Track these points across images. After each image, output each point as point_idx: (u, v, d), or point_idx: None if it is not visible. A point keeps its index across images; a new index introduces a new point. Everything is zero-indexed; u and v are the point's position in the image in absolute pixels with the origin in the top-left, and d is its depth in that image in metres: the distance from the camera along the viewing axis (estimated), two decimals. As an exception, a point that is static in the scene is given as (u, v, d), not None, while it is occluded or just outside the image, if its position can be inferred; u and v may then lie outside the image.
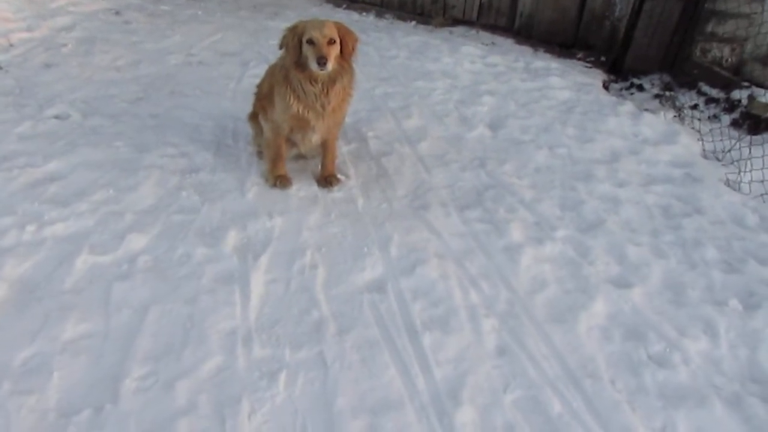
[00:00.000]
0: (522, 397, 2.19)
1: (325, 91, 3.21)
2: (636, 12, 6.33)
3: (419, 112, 4.91)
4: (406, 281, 2.76)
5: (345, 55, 3.18)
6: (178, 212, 3.16)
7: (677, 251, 3.18)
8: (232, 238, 2.98)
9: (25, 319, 2.33)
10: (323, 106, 3.25)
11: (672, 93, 5.71)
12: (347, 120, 4.02)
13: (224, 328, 2.39)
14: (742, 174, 3.98)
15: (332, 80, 3.20)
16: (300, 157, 3.86)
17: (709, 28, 5.76)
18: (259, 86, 3.68)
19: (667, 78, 6.12)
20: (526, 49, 7.39)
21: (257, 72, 5.01)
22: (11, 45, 5.77)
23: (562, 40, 7.46)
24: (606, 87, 6.22)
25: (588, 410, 2.15)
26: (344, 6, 9.20)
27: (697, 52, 5.92)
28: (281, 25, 3.43)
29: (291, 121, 3.33)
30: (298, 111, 3.25)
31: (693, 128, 4.84)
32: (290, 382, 2.16)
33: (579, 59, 7.12)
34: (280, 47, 3.22)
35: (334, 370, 2.23)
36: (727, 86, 5.32)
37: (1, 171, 3.35)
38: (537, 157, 4.22)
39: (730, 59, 5.59)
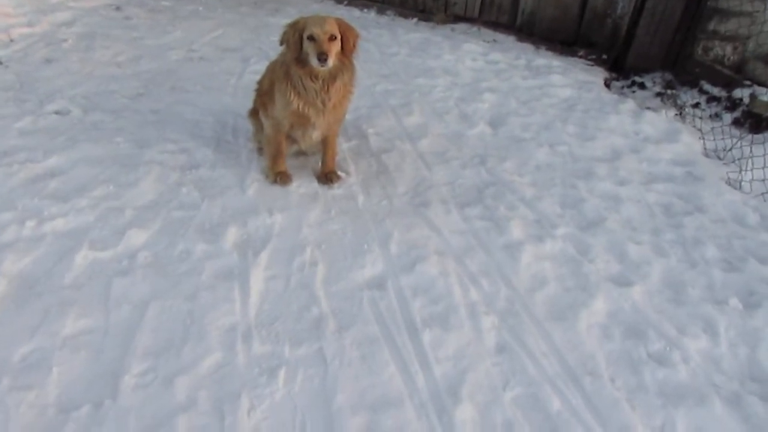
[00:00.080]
0: (521, 394, 2.19)
1: (326, 87, 3.20)
2: (638, 10, 6.31)
3: (420, 109, 4.90)
4: (406, 278, 2.76)
5: (346, 51, 3.17)
6: (178, 208, 3.16)
7: (678, 250, 3.18)
8: (232, 234, 2.98)
9: (25, 315, 2.33)
10: (324, 103, 3.24)
11: (673, 91, 5.71)
12: (348, 117, 4.02)
13: (224, 324, 2.39)
14: (743, 173, 3.98)
15: (333, 77, 3.19)
16: (300, 153, 3.86)
17: (711, 26, 5.75)
18: (260, 82, 3.67)
19: (668, 76, 6.11)
20: (528, 47, 7.38)
21: (258, 68, 5.00)
22: (12, 40, 5.76)
23: (564, 38, 7.45)
24: (607, 85, 6.21)
25: (587, 408, 2.15)
26: (345, 2, 9.18)
27: (699, 51, 5.91)
28: (282, 22, 3.42)
29: (291, 117, 3.32)
30: (298, 107, 3.24)
31: (694, 127, 4.83)
32: (290, 379, 2.16)
33: (580, 57, 7.11)
34: (281, 43, 3.21)
35: (333, 366, 2.23)
36: (729, 85, 5.31)
37: (2, 166, 3.35)
38: (538, 154, 4.21)
39: (732, 57, 5.58)
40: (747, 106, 4.92)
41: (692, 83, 5.72)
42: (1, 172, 3.29)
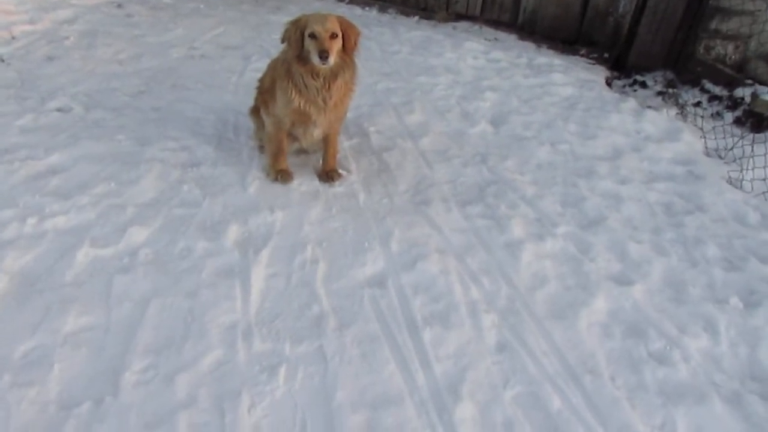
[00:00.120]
0: (522, 393, 2.19)
1: (327, 85, 3.20)
2: (640, 8, 6.31)
3: (421, 108, 4.90)
4: (406, 276, 2.76)
5: (347, 49, 3.17)
6: (180, 206, 3.16)
7: (678, 249, 3.17)
8: (233, 232, 2.98)
9: (26, 312, 2.33)
10: (325, 101, 3.24)
11: (675, 90, 5.70)
12: (349, 115, 4.02)
13: (225, 321, 2.39)
14: (744, 172, 3.97)
15: (334, 75, 3.19)
16: (301, 151, 3.86)
17: (713, 25, 5.74)
18: (261, 80, 3.67)
19: (670, 75, 6.10)
20: (529, 45, 7.37)
21: (259, 66, 5.00)
22: (13, 37, 5.76)
23: (566, 36, 7.44)
24: (609, 84, 6.20)
25: (588, 407, 2.15)
26: (347, 0, 9.17)
27: (701, 50, 5.90)
28: (283, 19, 3.42)
29: (292, 115, 3.32)
30: (299, 105, 3.24)
31: (696, 126, 4.83)
32: (290, 377, 2.17)
33: (582, 56, 7.10)
34: (282, 41, 3.21)
35: (334, 364, 2.23)
36: (731, 84, 5.31)
37: (3, 164, 3.35)
38: (539, 153, 4.21)
39: (733, 57, 5.57)
40: (748, 105, 4.92)
41: (694, 82, 5.72)
42: (2, 169, 3.30)
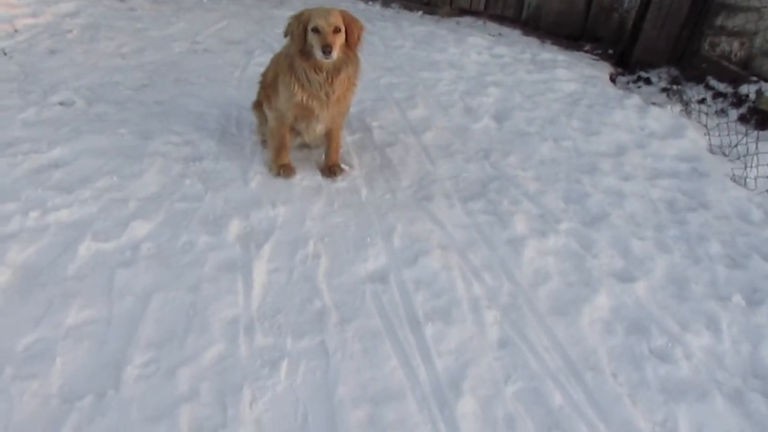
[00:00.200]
0: (523, 389, 2.19)
1: (330, 80, 3.20)
2: (645, 4, 6.28)
3: (424, 103, 4.89)
4: (408, 272, 2.76)
5: (350, 44, 3.16)
6: (182, 200, 3.16)
7: (681, 246, 3.17)
8: (235, 226, 2.98)
9: (29, 305, 2.34)
10: (327, 95, 3.24)
11: (679, 87, 5.68)
12: (352, 110, 4.01)
13: (226, 316, 2.39)
14: (748, 169, 3.96)
15: (337, 69, 3.18)
16: (304, 146, 3.85)
17: (719, 21, 5.72)
18: (264, 75, 3.67)
19: (674, 71, 6.08)
20: (533, 41, 7.35)
21: (262, 60, 5.00)
22: (16, 31, 5.76)
23: (570, 32, 7.41)
24: (613, 80, 6.19)
25: (589, 403, 2.15)
26: (350, -5, 9.15)
27: (706, 46, 5.87)
28: (287, 14, 3.42)
29: (295, 109, 3.32)
30: (302, 100, 3.24)
31: (700, 123, 4.81)
32: (292, 371, 2.17)
33: (586, 51, 7.08)
34: (285, 35, 3.20)
35: (335, 359, 2.23)
36: (736, 81, 5.28)
37: (6, 157, 3.35)
38: (542, 149, 4.20)
39: (738, 53, 5.54)
40: (753, 102, 4.90)
41: (698, 79, 5.70)
42: (5, 162, 3.30)
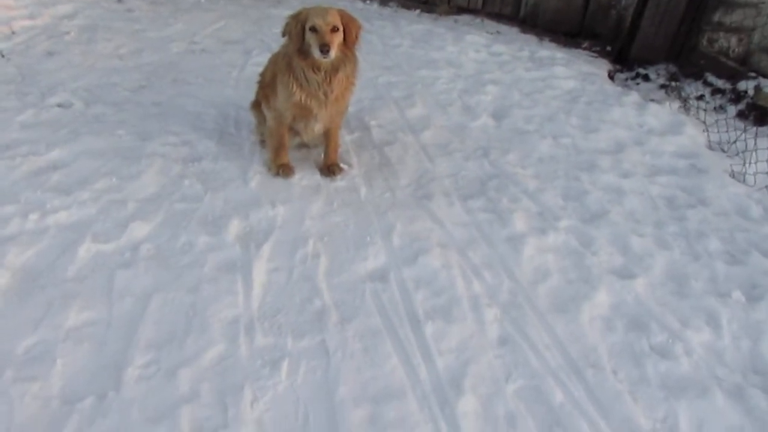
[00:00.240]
0: (524, 386, 2.19)
1: (328, 79, 3.19)
2: (642, 1, 6.27)
3: (423, 101, 4.89)
4: (408, 270, 2.76)
5: (348, 43, 3.16)
6: (181, 201, 3.16)
7: (681, 242, 3.17)
8: (234, 226, 2.98)
9: (28, 307, 2.34)
10: (326, 95, 3.23)
11: (678, 83, 5.68)
12: (350, 109, 4.01)
13: (226, 316, 2.39)
14: (747, 165, 3.96)
15: (335, 68, 3.18)
16: (303, 146, 3.85)
17: (716, 17, 5.71)
18: (262, 74, 3.66)
19: (673, 68, 6.08)
20: (531, 38, 7.34)
21: (260, 60, 4.99)
22: (13, 32, 5.75)
23: (568, 29, 7.41)
24: (611, 77, 6.19)
25: (590, 400, 2.15)
26: (348, -6, 9.14)
27: (704, 42, 5.87)
28: (284, 13, 3.41)
29: (294, 109, 3.31)
30: (300, 99, 3.23)
31: (698, 119, 4.81)
32: (292, 371, 2.17)
33: (584, 49, 7.08)
34: (283, 35, 3.20)
35: (336, 358, 2.24)
36: (734, 77, 5.28)
37: (4, 159, 3.35)
38: (541, 146, 4.20)
39: (737, 49, 5.54)
40: (752, 98, 4.90)
41: (697, 75, 5.70)
42: (3, 165, 3.29)
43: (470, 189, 3.55)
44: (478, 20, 8.07)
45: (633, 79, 6.11)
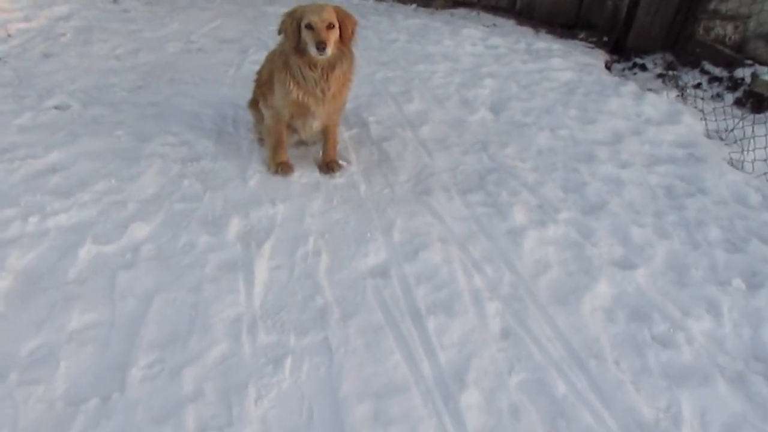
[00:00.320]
0: (527, 379, 2.20)
1: (325, 76, 3.19)
2: (638, -10, 6.27)
3: (420, 96, 4.89)
4: (409, 266, 2.76)
5: (344, 39, 3.15)
6: (181, 201, 3.16)
7: (680, 232, 3.17)
8: (234, 225, 2.98)
9: (31, 310, 2.34)
10: (323, 92, 3.23)
11: (675, 72, 5.67)
12: (348, 105, 4.00)
13: (229, 315, 2.40)
14: (745, 153, 3.96)
15: (332, 65, 3.17)
16: (301, 143, 3.85)
17: (712, 5, 5.70)
18: (259, 73, 3.66)
19: (669, 57, 6.08)
20: (528, 30, 7.33)
21: (257, 58, 4.99)
22: (9, 35, 5.74)
23: (564, 21, 7.40)
24: (608, 67, 6.18)
25: (592, 391, 2.16)
26: (343, -10, 9.11)
27: (700, 30, 5.86)
28: (280, 11, 3.40)
29: (291, 107, 3.31)
30: (298, 97, 3.23)
31: (696, 108, 4.81)
32: (296, 368, 2.17)
33: (581, 40, 7.07)
34: (279, 33, 3.19)
35: (339, 355, 2.24)
36: (731, 64, 5.28)
37: (3, 163, 3.35)
38: (539, 139, 4.20)
39: (733, 37, 5.53)
40: (748, 85, 4.90)
41: (693, 64, 5.69)
42: (2, 168, 3.29)
43: (469, 183, 3.56)
44: (474, 13, 8.06)
45: (630, 69, 6.11)
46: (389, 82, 5.22)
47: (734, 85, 5.06)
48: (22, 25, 6.07)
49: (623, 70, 6.13)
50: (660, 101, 4.91)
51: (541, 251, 2.95)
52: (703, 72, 5.51)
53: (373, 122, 4.34)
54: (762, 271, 2.86)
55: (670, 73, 5.68)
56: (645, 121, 4.59)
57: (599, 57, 6.39)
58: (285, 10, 3.21)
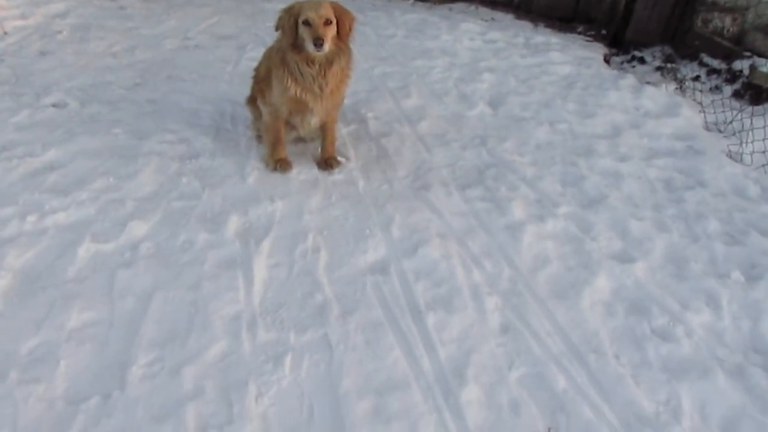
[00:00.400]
0: (527, 374, 2.20)
1: (323, 72, 3.18)
2: (636, -17, 6.25)
3: (418, 92, 4.88)
4: (408, 262, 2.76)
5: (342, 35, 3.14)
6: (179, 198, 3.16)
7: (679, 225, 3.17)
8: (233, 223, 2.98)
9: (30, 309, 2.34)
10: (321, 88, 3.22)
11: (673, 65, 5.66)
12: (346, 101, 4.00)
13: (228, 313, 2.40)
14: (743, 145, 3.96)
15: (329, 62, 3.16)
16: (299, 140, 3.85)
17: (711, -3, 5.69)
18: (257, 69, 3.65)
19: (668, 50, 6.06)
20: (526, 24, 7.32)
21: (254, 55, 4.98)
22: (5, 33, 5.72)
23: (562, 14, 7.38)
24: (607, 61, 6.17)
25: (592, 385, 2.16)
26: (340, -15, 9.08)
27: (699, 23, 5.85)
28: (278, 7, 3.39)
29: (289, 103, 3.31)
30: (295, 93, 3.22)
31: (695, 100, 4.80)
32: (296, 365, 2.17)
33: (579, 33, 7.06)
34: (276, 29, 3.18)
35: (338, 352, 2.24)
36: (729, 57, 5.27)
37: (1, 161, 3.34)
38: (538, 133, 4.20)
39: (731, 29, 5.52)
40: (747, 77, 4.89)
41: (692, 56, 5.68)
42: (0, 167, 3.29)
43: (468, 178, 3.55)
44: (472, 8, 8.03)
45: (629, 62, 6.09)
46: (387, 77, 5.21)
47: (733, 77, 5.05)
48: (19, 23, 6.05)
49: (622, 63, 6.11)
50: (659, 94, 4.90)
51: (540, 246, 2.94)
52: (702, 64, 5.50)
53: (371, 118, 4.33)
54: (761, 264, 2.86)
55: (669, 65, 5.67)
56: (644, 114, 4.59)
57: (598, 50, 6.38)
58: (282, 6, 3.20)
